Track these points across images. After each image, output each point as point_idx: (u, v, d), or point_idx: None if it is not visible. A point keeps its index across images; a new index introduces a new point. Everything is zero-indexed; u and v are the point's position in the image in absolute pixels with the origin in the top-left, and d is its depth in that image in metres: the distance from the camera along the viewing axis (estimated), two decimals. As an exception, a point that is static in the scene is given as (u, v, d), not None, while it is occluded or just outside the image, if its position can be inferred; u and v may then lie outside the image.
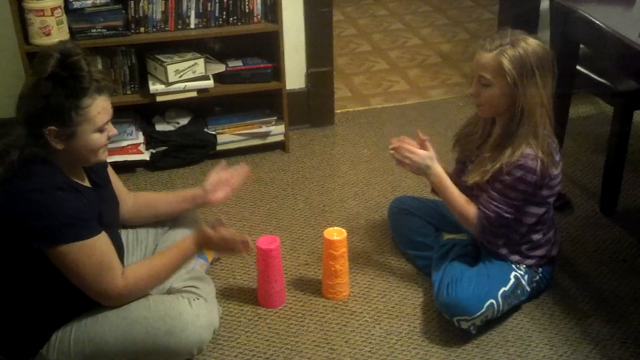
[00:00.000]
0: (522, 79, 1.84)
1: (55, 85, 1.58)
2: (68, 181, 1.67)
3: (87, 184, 1.78)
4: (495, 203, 1.94)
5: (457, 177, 2.11)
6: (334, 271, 2.12)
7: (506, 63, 1.84)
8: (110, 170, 1.95)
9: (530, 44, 1.86)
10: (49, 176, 1.63)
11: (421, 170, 2.01)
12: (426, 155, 2.01)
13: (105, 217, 1.76)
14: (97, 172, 1.84)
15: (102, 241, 1.68)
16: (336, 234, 2.12)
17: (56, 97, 1.58)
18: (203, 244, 1.87)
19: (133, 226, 2.07)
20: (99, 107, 1.64)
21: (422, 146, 2.04)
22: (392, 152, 2.03)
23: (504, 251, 2.05)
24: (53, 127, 1.60)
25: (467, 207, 1.99)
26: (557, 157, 1.95)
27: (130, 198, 2.04)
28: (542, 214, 2.01)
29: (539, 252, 2.07)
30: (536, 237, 2.05)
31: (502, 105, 1.91)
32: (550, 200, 2.01)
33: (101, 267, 1.67)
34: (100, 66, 1.65)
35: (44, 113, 1.59)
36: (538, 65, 1.84)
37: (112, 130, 1.71)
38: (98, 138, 1.67)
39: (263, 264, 2.09)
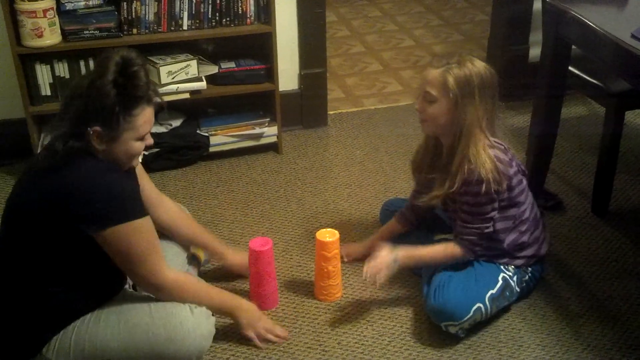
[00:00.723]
0: (464, 97, 1.88)
1: (112, 89, 1.62)
2: (113, 166, 1.70)
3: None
4: (470, 225, 1.97)
5: (413, 200, 2.18)
6: (327, 272, 2.12)
7: (451, 80, 1.88)
8: (140, 170, 1.95)
9: (477, 65, 1.90)
10: (97, 163, 1.67)
11: (393, 265, 2.00)
12: (384, 254, 2.00)
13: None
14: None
15: (150, 223, 1.73)
16: (329, 235, 2.12)
17: (110, 100, 1.62)
18: (243, 317, 1.95)
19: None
20: (146, 117, 1.69)
21: (372, 249, 2.05)
22: (367, 279, 1.99)
23: (489, 253, 2.05)
24: (98, 128, 1.63)
25: (448, 250, 2.02)
26: (507, 157, 1.96)
27: (165, 212, 2.06)
28: (515, 215, 2.02)
29: (527, 252, 2.07)
30: (522, 238, 2.05)
31: (444, 122, 1.94)
32: (518, 200, 2.01)
33: (150, 248, 1.72)
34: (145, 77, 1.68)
35: (94, 113, 1.62)
36: (480, 87, 1.88)
37: (149, 139, 1.75)
38: (138, 146, 1.71)
39: (255, 265, 2.09)
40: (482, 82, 1.89)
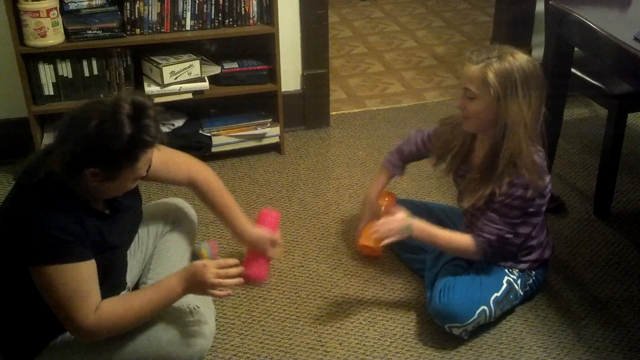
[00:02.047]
0: (506, 93, 1.81)
1: (123, 139, 1.54)
2: (72, 205, 1.62)
3: (101, 208, 1.72)
4: (495, 225, 1.93)
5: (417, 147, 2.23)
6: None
7: (491, 76, 1.81)
8: (166, 151, 1.86)
9: (518, 59, 1.83)
10: (56, 194, 1.59)
11: (406, 231, 1.94)
12: (400, 217, 1.95)
13: (110, 240, 1.71)
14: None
15: (84, 269, 1.61)
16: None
17: (118, 149, 1.55)
18: (190, 281, 1.71)
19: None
20: (147, 159, 1.63)
21: (390, 213, 1.99)
22: (376, 235, 1.95)
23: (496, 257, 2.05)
24: (96, 170, 1.57)
25: (462, 240, 1.97)
26: (545, 164, 1.94)
27: (189, 174, 2.00)
28: (536, 223, 2.02)
29: (532, 257, 2.07)
30: (530, 242, 2.05)
31: (486, 120, 1.88)
32: (543, 209, 2.01)
33: (75, 295, 1.60)
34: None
35: (97, 157, 1.56)
36: (522, 81, 1.81)
37: (143, 173, 1.67)
38: (132, 183, 1.67)
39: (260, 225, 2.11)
40: (525, 76, 1.81)
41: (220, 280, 1.70)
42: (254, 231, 2.09)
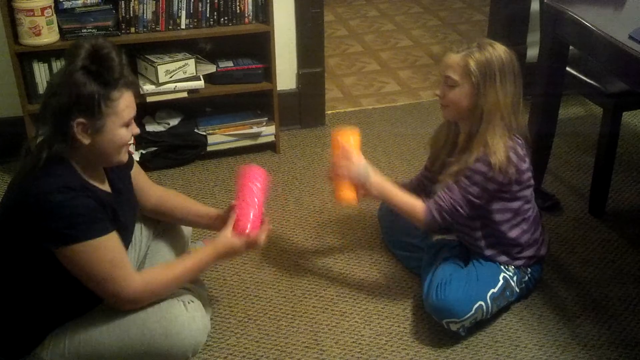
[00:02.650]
0: (485, 81, 1.88)
1: (87, 76, 1.58)
2: (83, 183, 1.66)
3: (106, 187, 1.76)
4: (450, 194, 1.95)
5: (417, 183, 2.20)
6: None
7: (472, 64, 1.88)
8: (135, 166, 1.93)
9: (497, 49, 1.90)
10: (64, 176, 1.62)
11: (361, 176, 1.95)
12: (362, 162, 1.96)
13: (119, 220, 1.74)
14: (120, 176, 1.83)
15: (114, 240, 1.67)
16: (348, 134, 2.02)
17: (87, 88, 1.58)
18: (225, 253, 1.84)
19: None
20: (127, 102, 1.65)
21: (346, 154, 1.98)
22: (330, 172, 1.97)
23: (489, 252, 2.06)
24: (82, 120, 1.59)
25: (415, 203, 1.98)
26: (522, 152, 1.96)
27: (154, 194, 2.01)
28: (517, 209, 2.02)
29: (527, 253, 2.08)
30: (524, 238, 2.05)
31: (465, 107, 1.93)
32: (523, 195, 2.01)
33: (113, 265, 1.65)
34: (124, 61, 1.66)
35: (74, 105, 1.58)
36: (501, 70, 1.88)
37: (135, 128, 1.71)
38: (124, 133, 1.67)
39: (241, 180, 2.00)
40: (503, 65, 1.89)
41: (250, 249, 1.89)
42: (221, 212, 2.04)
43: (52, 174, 1.61)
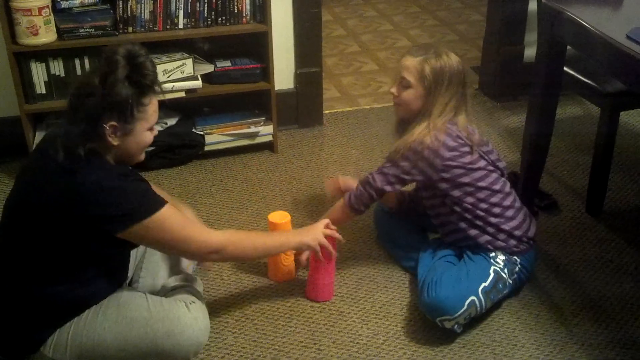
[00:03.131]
0: (437, 85, 2.03)
1: (125, 83, 1.65)
2: (124, 168, 1.75)
3: None
4: (380, 168, 2.10)
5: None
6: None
7: (427, 70, 2.03)
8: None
9: (451, 59, 2.06)
10: (109, 167, 1.70)
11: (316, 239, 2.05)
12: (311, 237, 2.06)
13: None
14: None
15: (174, 209, 1.78)
16: (280, 217, 2.22)
17: (124, 94, 1.64)
18: (305, 244, 2.02)
19: None
20: (154, 106, 1.74)
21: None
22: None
23: (473, 232, 2.07)
24: (114, 123, 1.66)
25: (340, 202, 2.19)
26: (451, 142, 2.02)
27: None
28: (473, 193, 2.05)
29: (507, 234, 2.08)
30: (507, 225, 2.07)
31: (415, 106, 2.07)
32: (470, 182, 2.04)
33: (187, 225, 1.77)
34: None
35: (108, 109, 1.64)
36: (450, 79, 2.04)
37: (156, 130, 1.79)
38: (148, 136, 1.75)
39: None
40: (452, 74, 2.04)
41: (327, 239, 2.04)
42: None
43: (97, 166, 1.67)
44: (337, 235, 2.07)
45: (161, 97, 1.78)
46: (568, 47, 2.40)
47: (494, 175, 2.10)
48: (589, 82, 2.49)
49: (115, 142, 1.68)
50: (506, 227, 2.08)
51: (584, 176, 2.72)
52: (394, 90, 2.11)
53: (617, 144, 2.57)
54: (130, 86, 1.65)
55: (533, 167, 2.56)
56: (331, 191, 2.37)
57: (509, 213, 2.09)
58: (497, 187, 2.09)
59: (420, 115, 2.06)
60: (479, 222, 2.07)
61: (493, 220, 2.07)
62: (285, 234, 2.09)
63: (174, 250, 1.83)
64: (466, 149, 2.05)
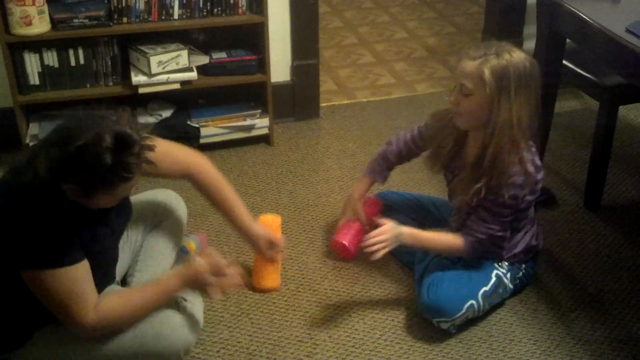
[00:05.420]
0: (500, 92, 1.80)
1: (104, 170, 1.50)
2: (61, 205, 1.59)
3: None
4: (486, 225, 1.92)
5: (405, 147, 2.22)
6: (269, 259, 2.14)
7: (487, 73, 1.79)
8: (162, 146, 1.76)
9: (515, 57, 1.81)
10: (45, 197, 1.57)
11: (396, 240, 1.94)
12: (389, 228, 1.93)
13: (100, 236, 1.71)
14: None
15: (78, 271, 1.62)
16: (271, 220, 2.17)
17: (97, 178, 1.52)
18: (189, 281, 1.75)
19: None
20: (128, 187, 1.61)
21: (377, 223, 1.97)
22: (368, 249, 1.92)
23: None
24: (74, 187, 1.54)
25: (453, 241, 1.98)
26: (538, 162, 1.93)
27: (184, 167, 1.98)
28: (525, 216, 2.01)
29: (519, 249, 2.06)
30: (519, 235, 2.04)
31: (478, 117, 1.86)
32: (533, 203, 2.00)
33: (71, 297, 1.62)
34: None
35: (77, 177, 1.52)
36: (517, 79, 1.80)
37: (124, 196, 1.67)
38: (110, 201, 1.63)
39: None
40: (520, 75, 1.80)
41: (220, 284, 1.75)
42: (254, 228, 2.07)
43: (37, 191, 1.57)
44: (228, 285, 1.78)
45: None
46: (567, 40, 2.39)
47: None
48: (588, 75, 2.47)
49: (70, 196, 1.57)
50: (517, 250, 2.05)
51: (583, 170, 2.71)
52: (452, 98, 1.88)
53: (616, 138, 2.56)
54: (107, 174, 1.51)
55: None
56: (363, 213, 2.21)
57: (529, 225, 2.04)
58: (530, 213, 2.03)
59: (499, 132, 1.82)
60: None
61: (514, 250, 2.04)
62: (167, 282, 1.76)
63: (51, 309, 1.65)
64: (542, 175, 1.95)
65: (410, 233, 1.97)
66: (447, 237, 1.99)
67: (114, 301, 1.71)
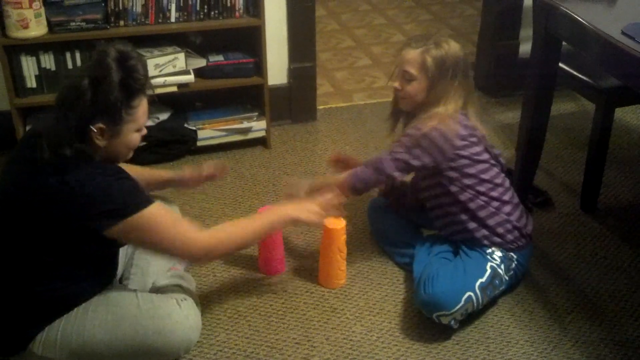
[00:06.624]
0: (440, 76, 2.01)
1: (115, 85, 1.63)
2: (113, 168, 1.73)
3: None
4: (392, 154, 2.03)
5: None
6: (335, 259, 2.16)
7: (429, 60, 2.00)
8: None
9: (452, 46, 2.03)
10: (96, 165, 1.68)
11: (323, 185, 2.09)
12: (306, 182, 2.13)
13: None
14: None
15: (162, 206, 1.74)
16: (335, 222, 2.14)
17: (113, 97, 1.63)
18: (295, 216, 1.91)
19: None
20: (144, 108, 1.72)
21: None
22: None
23: (471, 225, 2.06)
24: (101, 125, 1.65)
25: (338, 181, 2.10)
26: (464, 132, 2.02)
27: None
28: (474, 185, 2.04)
29: (505, 230, 2.07)
30: (506, 220, 2.06)
31: (420, 98, 2.05)
32: (473, 174, 2.03)
33: (175, 223, 1.74)
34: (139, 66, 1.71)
35: (98, 113, 1.63)
36: (454, 66, 2.01)
37: (144, 130, 1.78)
38: (136, 137, 1.74)
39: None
40: (456, 62, 2.02)
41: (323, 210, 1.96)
42: (174, 172, 2.20)
43: (84, 166, 1.65)
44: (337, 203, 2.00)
45: (151, 94, 1.76)
46: (563, 42, 2.40)
47: (495, 169, 2.09)
48: (584, 78, 2.48)
49: (102, 144, 1.67)
50: (504, 222, 2.07)
51: (579, 173, 2.71)
52: (396, 84, 2.08)
53: (612, 141, 2.57)
54: (121, 90, 1.64)
55: (527, 163, 2.55)
56: (331, 163, 2.33)
57: (507, 208, 2.09)
58: (498, 180, 2.09)
59: (428, 106, 2.04)
60: (478, 214, 2.06)
61: (492, 214, 2.06)
62: (271, 213, 1.94)
63: (162, 250, 1.77)
64: (474, 139, 2.05)
65: (338, 178, 2.09)
66: (344, 175, 2.11)
67: (224, 228, 1.85)
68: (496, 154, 2.12)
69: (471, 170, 2.04)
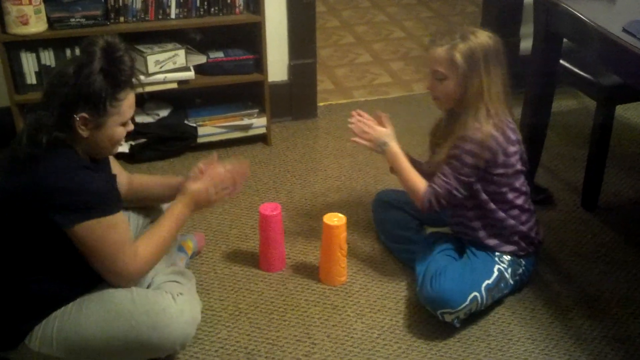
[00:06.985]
0: (472, 69, 1.93)
1: (100, 75, 1.63)
2: (93, 165, 1.72)
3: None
4: (445, 179, 1.98)
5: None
6: (335, 256, 2.15)
7: (457, 56, 1.92)
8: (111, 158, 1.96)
9: (479, 36, 1.95)
10: (74, 157, 1.68)
11: (379, 147, 2.07)
12: (384, 133, 2.08)
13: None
14: (102, 165, 1.86)
15: (121, 219, 1.73)
16: (336, 219, 2.14)
17: (97, 87, 1.63)
18: (194, 202, 1.91)
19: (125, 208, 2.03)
20: (130, 102, 1.71)
21: (381, 123, 2.10)
22: (351, 125, 2.10)
23: (491, 242, 2.05)
24: (85, 115, 1.64)
25: (418, 183, 2.03)
26: (513, 137, 1.99)
27: (126, 179, 2.04)
28: (511, 200, 2.02)
29: (519, 237, 2.06)
30: (521, 227, 2.05)
31: (456, 96, 1.98)
32: (509, 182, 2.01)
33: (120, 244, 1.71)
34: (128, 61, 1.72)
35: (81, 100, 1.63)
36: (485, 57, 1.93)
37: (131, 125, 1.77)
38: (121, 131, 1.73)
39: (265, 230, 2.19)
40: (487, 52, 1.94)
41: (221, 195, 1.97)
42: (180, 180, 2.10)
43: (61, 155, 1.65)
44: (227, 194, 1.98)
45: (140, 91, 1.76)
46: (564, 39, 2.39)
47: (523, 176, 2.06)
48: (585, 75, 2.48)
49: (84, 134, 1.67)
50: (518, 231, 2.06)
51: (580, 170, 2.71)
52: (428, 85, 2.03)
53: (613, 138, 2.56)
54: (105, 79, 1.64)
55: (528, 160, 2.54)
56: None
57: (524, 217, 2.07)
58: (524, 188, 2.06)
59: (469, 104, 1.95)
60: (493, 225, 2.04)
61: (508, 225, 2.04)
62: (179, 210, 1.89)
63: (98, 263, 1.71)
64: (518, 146, 2.00)
65: (394, 152, 2.06)
66: (418, 177, 2.04)
67: (146, 244, 1.80)
68: (525, 158, 2.07)
69: (510, 180, 2.01)
